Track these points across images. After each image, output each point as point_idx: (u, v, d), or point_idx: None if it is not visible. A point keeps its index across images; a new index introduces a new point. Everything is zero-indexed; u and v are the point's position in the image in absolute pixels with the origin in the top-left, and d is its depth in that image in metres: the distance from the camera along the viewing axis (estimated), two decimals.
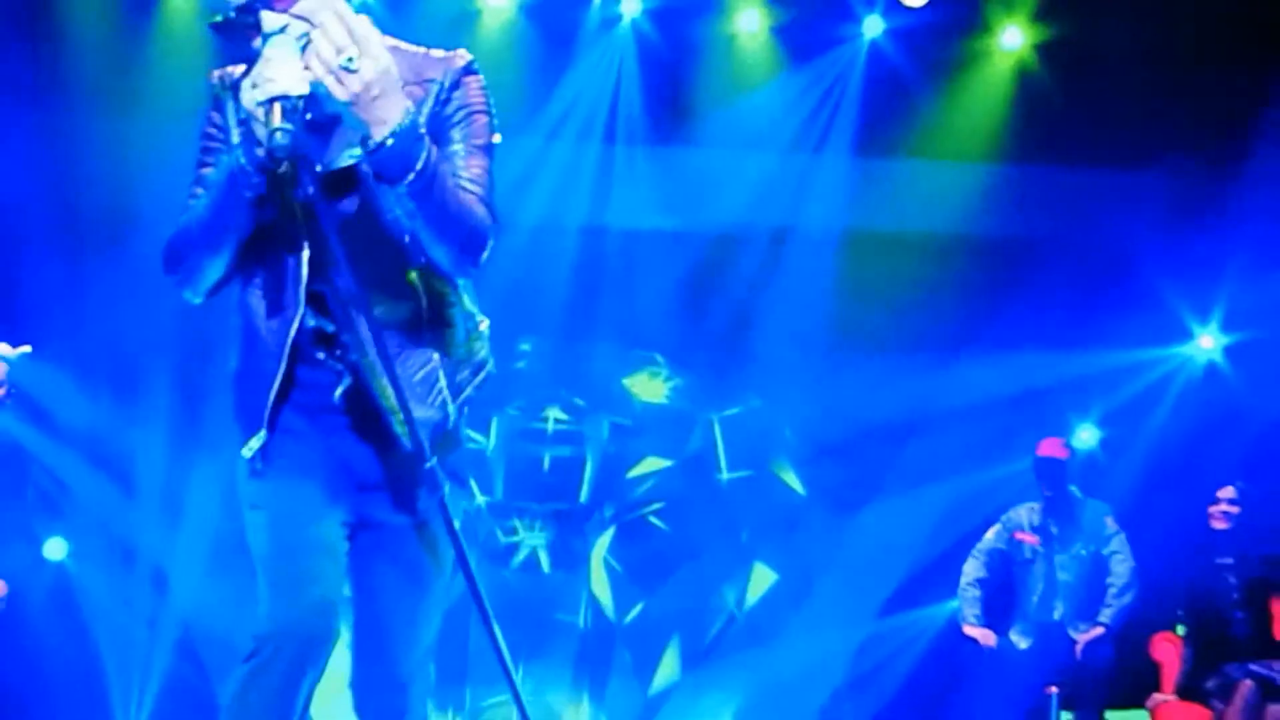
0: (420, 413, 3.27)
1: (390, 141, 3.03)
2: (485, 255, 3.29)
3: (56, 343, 8.34)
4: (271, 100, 3.02)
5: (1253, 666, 7.77)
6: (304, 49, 3.09)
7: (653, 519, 9.25)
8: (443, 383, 3.33)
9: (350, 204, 3.27)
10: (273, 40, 3.11)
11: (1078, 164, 9.06)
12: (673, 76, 9.07)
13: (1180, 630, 8.28)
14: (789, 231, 9.34)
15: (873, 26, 9.00)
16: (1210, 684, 7.92)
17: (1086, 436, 9.00)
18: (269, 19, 3.07)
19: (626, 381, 9.37)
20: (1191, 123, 8.65)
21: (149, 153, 8.44)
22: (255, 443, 3.31)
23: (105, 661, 8.72)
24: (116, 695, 8.71)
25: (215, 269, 3.32)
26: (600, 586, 9.06)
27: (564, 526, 9.14)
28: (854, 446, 9.10)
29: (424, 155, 3.08)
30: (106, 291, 8.45)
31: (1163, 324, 9.11)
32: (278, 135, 3.01)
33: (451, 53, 3.37)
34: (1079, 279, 9.05)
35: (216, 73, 3.40)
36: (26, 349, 7.73)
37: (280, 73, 3.06)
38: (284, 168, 3.12)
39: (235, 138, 3.27)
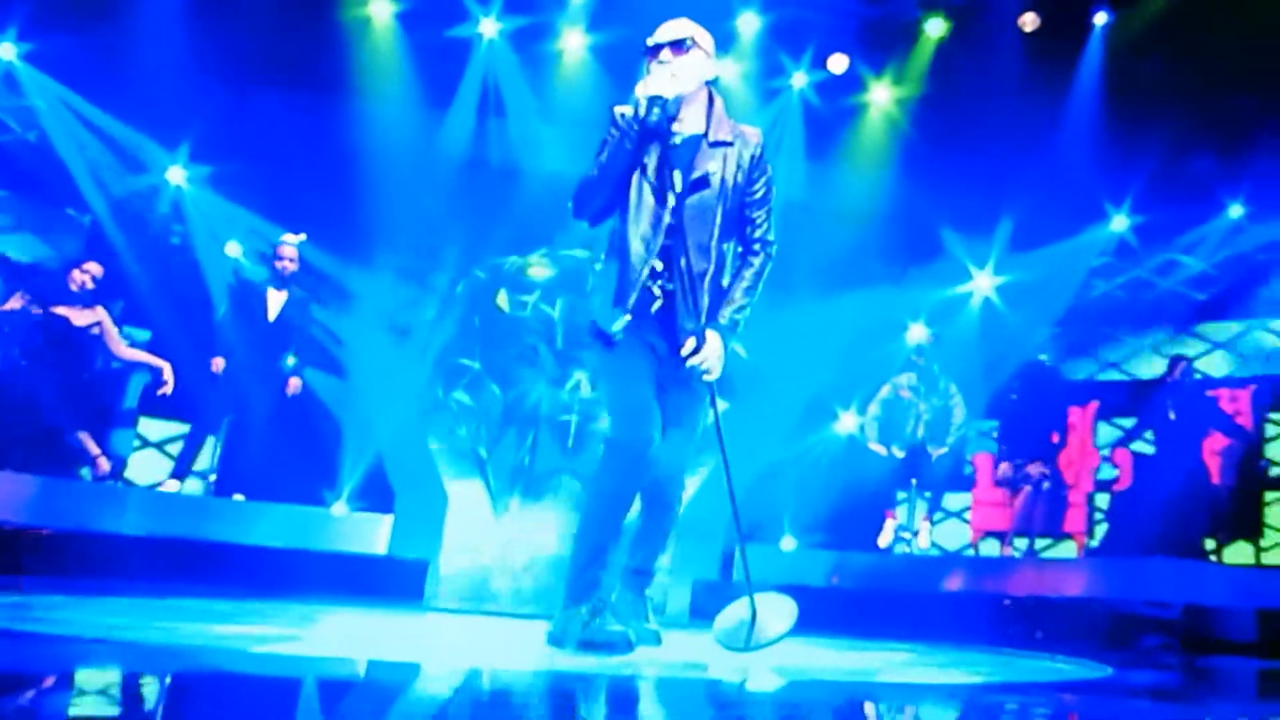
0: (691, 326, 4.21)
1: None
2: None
3: (326, 231, 10.56)
4: (652, 99, 4.18)
5: (1034, 476, 10.01)
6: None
7: None
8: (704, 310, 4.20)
9: (699, 201, 4.19)
10: (660, 59, 4.28)
11: (915, 169, 11.83)
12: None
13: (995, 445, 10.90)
14: None
15: (799, 80, 12.10)
16: (1006, 482, 10.37)
17: (920, 331, 11.51)
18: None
19: None
20: (985, 138, 11.14)
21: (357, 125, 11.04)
22: (621, 323, 4.14)
23: (340, 442, 10.85)
24: (345, 462, 10.79)
25: (600, 198, 4.21)
26: None
27: None
28: (784, 338, 11.29)
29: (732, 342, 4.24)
30: (349, 207, 10.69)
31: (957, 270, 12.42)
32: (652, 114, 4.17)
33: (755, 130, 4.46)
34: (910, 242, 12.07)
35: (618, 109, 4.31)
36: (303, 236, 9.71)
37: (659, 83, 4.25)
38: (653, 120, 4.11)
39: (621, 123, 4.21)
